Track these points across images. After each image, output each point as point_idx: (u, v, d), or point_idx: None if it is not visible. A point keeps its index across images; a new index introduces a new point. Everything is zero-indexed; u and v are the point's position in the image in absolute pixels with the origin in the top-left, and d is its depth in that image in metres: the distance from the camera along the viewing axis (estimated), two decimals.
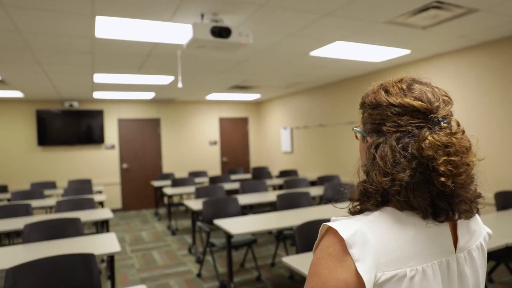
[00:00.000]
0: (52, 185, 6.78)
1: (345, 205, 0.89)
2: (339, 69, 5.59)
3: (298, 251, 2.84)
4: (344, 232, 0.73)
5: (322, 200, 5.32)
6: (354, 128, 0.96)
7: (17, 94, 6.62)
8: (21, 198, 5.39)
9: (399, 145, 0.77)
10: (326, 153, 7.13)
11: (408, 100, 0.80)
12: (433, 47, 4.40)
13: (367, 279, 0.70)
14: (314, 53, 4.47)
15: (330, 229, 0.76)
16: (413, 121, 0.78)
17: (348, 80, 6.44)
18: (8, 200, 5.57)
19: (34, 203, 4.96)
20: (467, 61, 4.49)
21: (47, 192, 6.09)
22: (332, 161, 6.97)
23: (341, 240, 0.72)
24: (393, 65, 5.44)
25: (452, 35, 3.90)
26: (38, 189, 5.63)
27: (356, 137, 0.99)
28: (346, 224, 0.76)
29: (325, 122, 7.13)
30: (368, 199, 0.80)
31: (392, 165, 0.76)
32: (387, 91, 0.85)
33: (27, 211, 4.33)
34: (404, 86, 0.84)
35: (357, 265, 0.71)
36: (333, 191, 5.22)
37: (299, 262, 2.46)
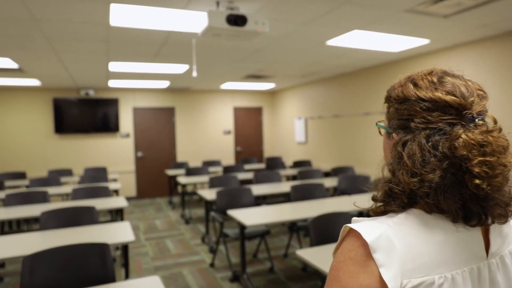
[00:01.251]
0: (68, 172, 6.88)
1: (367, 205, 0.84)
2: (355, 59, 5.47)
3: (312, 244, 2.80)
4: (367, 235, 0.69)
5: (336, 191, 5.26)
6: (378, 123, 0.90)
7: (34, 82, 6.69)
8: (38, 185, 5.48)
9: (429, 143, 0.72)
10: (341, 144, 7.04)
11: (439, 94, 0.74)
12: (453, 36, 4.25)
13: (392, 286, 0.65)
14: (331, 42, 4.37)
15: (352, 231, 0.72)
16: (445, 118, 0.72)
17: (365, 70, 6.30)
18: (27, 186, 5.67)
19: (51, 190, 5.03)
20: (488, 51, 4.33)
21: (63, 179, 6.18)
22: (346, 152, 6.88)
23: (364, 243, 0.68)
24: (410, 55, 5.29)
25: (473, 24, 3.75)
26: (55, 176, 5.71)
27: (380, 132, 0.93)
28: (369, 226, 0.71)
29: (340, 112, 7.02)
30: (393, 200, 0.75)
31: (421, 164, 0.71)
32: (416, 85, 0.79)
33: (44, 198, 4.40)
34: (435, 79, 0.77)
35: (381, 270, 0.66)
36: (347, 182, 5.15)
37: (313, 255, 2.43)
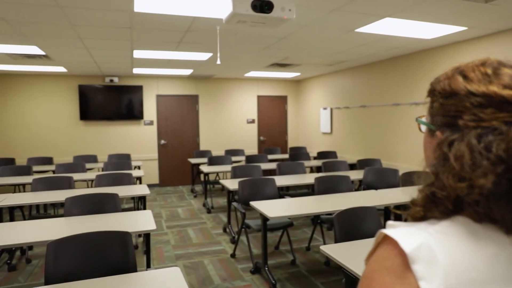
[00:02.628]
0: (93, 158, 6.99)
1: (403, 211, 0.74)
2: (385, 47, 5.24)
3: (336, 240, 2.71)
4: (406, 244, 0.60)
5: (361, 185, 5.11)
6: (418, 119, 0.78)
7: (60, 69, 6.79)
8: (64, 170, 5.59)
9: (481, 144, 0.61)
10: (367, 136, 6.84)
11: (494, 88, 0.63)
12: (494, 23, 3.98)
13: None
14: (360, 30, 4.18)
15: (388, 238, 0.63)
16: (500, 115, 0.62)
17: (394, 59, 6.05)
18: (53, 172, 5.79)
19: (76, 176, 5.11)
20: None
21: (88, 165, 6.28)
22: (373, 144, 6.68)
23: (401, 252, 0.60)
24: (445, 43, 5.02)
25: None
26: (80, 163, 5.81)
27: (419, 129, 0.82)
28: (408, 233, 0.63)
29: (367, 103, 6.81)
30: (435, 206, 0.66)
31: (470, 168, 0.61)
32: (466, 77, 0.68)
33: (69, 184, 4.46)
34: (489, 71, 0.66)
35: (420, 284, 0.58)
36: (374, 176, 4.99)
37: (338, 251, 2.34)
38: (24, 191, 6.30)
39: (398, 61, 5.97)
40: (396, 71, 6.03)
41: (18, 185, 5.34)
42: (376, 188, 4.55)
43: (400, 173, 4.83)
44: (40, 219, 3.04)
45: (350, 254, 2.27)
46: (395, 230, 0.64)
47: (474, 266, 0.60)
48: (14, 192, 6.42)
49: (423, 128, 0.78)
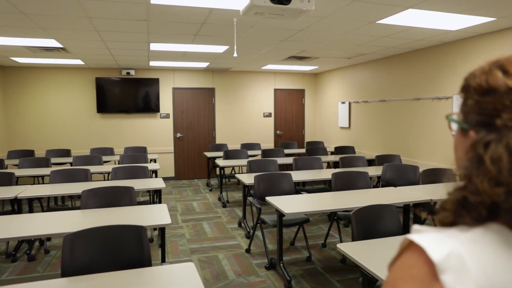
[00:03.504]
0: (110, 151, 7.06)
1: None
2: (407, 39, 5.08)
3: (354, 238, 2.63)
4: (434, 252, 0.55)
5: (380, 181, 5.00)
6: (449, 117, 0.71)
7: (78, 62, 6.85)
8: (81, 163, 5.65)
9: None
10: (387, 131, 6.69)
11: None
12: None
13: None
14: (382, 21, 4.04)
15: (414, 244, 0.59)
16: None
17: (416, 52, 5.87)
18: (71, 164, 5.86)
19: (93, 168, 5.15)
20: None
21: (105, 158, 6.33)
22: (393, 139, 6.52)
23: (428, 261, 0.55)
24: (472, 35, 4.82)
25: None
26: (97, 155, 5.86)
27: (450, 127, 0.75)
28: (436, 240, 0.57)
29: (387, 97, 6.64)
30: (467, 211, 0.60)
31: (509, 172, 0.56)
32: (506, 72, 0.62)
33: (86, 176, 4.50)
34: None
35: None
36: (393, 172, 4.87)
37: (355, 250, 2.27)
38: (43, 183, 6.41)
39: (420, 54, 5.79)
40: (418, 64, 5.84)
41: (37, 176, 5.43)
42: (395, 185, 4.43)
43: (421, 170, 4.69)
44: (58, 211, 3.08)
45: (368, 253, 2.21)
46: (422, 236, 0.59)
47: (510, 279, 0.55)
48: (33, 183, 6.55)
49: (454, 126, 0.71)
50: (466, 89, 0.68)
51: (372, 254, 2.19)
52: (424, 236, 0.59)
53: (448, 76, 5.22)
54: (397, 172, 4.84)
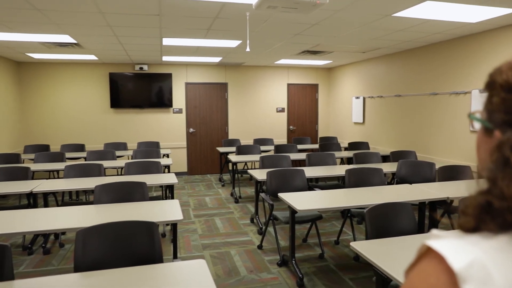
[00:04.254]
0: (123, 146, 7.11)
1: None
2: (424, 33, 4.95)
3: (368, 237, 2.59)
4: (455, 260, 0.52)
5: (394, 178, 4.91)
6: (472, 115, 0.66)
7: (92, 57, 6.90)
8: (95, 158, 5.70)
9: None
10: (402, 126, 6.57)
11: None
12: None
13: None
14: (398, 14, 3.94)
15: (432, 251, 0.55)
16: None
17: (433, 46, 5.72)
18: (85, 158, 5.92)
19: (106, 163, 5.19)
20: None
21: (118, 153, 6.38)
22: (408, 135, 6.40)
23: (448, 269, 0.52)
24: (493, 27, 4.66)
25: None
26: (110, 150, 5.91)
27: (472, 126, 0.70)
28: (457, 248, 0.54)
29: (403, 92, 6.52)
30: (491, 217, 0.56)
31: None
32: None
33: (99, 171, 4.53)
34: None
35: None
36: (408, 169, 4.78)
37: (369, 248, 2.23)
38: (58, 177, 6.50)
39: (438, 47, 5.65)
40: (435, 58, 5.70)
41: (52, 171, 5.50)
42: (410, 182, 4.34)
43: (437, 166, 4.59)
44: (72, 205, 3.11)
45: (382, 252, 2.16)
46: (441, 242, 0.56)
47: None
48: (49, 177, 6.65)
49: (477, 126, 0.66)
50: (491, 86, 0.63)
51: (386, 253, 2.15)
52: (444, 243, 0.55)
53: (467, 70, 5.07)
54: (413, 169, 4.74)
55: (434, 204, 3.64)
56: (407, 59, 6.38)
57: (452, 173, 4.33)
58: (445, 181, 4.23)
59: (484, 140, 0.64)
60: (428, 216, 3.99)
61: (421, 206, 3.64)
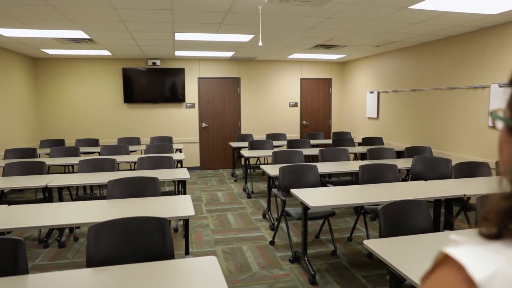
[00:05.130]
0: (136, 140, 7.16)
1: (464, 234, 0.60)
2: (441, 25, 4.82)
3: (381, 235, 2.54)
4: (477, 271, 0.47)
5: (409, 174, 4.82)
6: (494, 113, 0.62)
7: (105, 53, 6.94)
8: (108, 152, 5.75)
9: None
10: (417, 122, 6.44)
11: None
12: None
13: None
14: (414, 6, 3.84)
15: (451, 259, 0.51)
16: None
17: (450, 39, 5.58)
18: (99, 153, 5.98)
19: (119, 158, 5.23)
20: None
21: (131, 147, 6.43)
22: (423, 130, 6.28)
23: (468, 279, 0.47)
24: None
25: None
26: (124, 145, 5.95)
27: (494, 125, 0.65)
28: (478, 256, 0.49)
29: (418, 86, 6.38)
30: None
31: None
32: None
33: (113, 166, 4.57)
34: None
35: None
36: (423, 165, 4.68)
37: (382, 247, 2.18)
38: (73, 171, 6.58)
39: (455, 40, 5.50)
40: (452, 51, 5.56)
41: (67, 165, 5.57)
42: (425, 179, 4.26)
43: (453, 163, 4.49)
44: (86, 200, 3.13)
45: (396, 251, 2.12)
46: (461, 249, 0.51)
47: None
48: (64, 171, 6.75)
49: (500, 125, 0.62)
50: None
51: (401, 252, 2.10)
52: (464, 250, 0.51)
53: (485, 63, 4.93)
54: (428, 165, 4.65)
55: (450, 202, 3.56)
56: (422, 53, 6.24)
57: (469, 170, 4.23)
58: (461, 178, 4.13)
59: (508, 140, 0.60)
60: (443, 213, 3.91)
61: (437, 203, 3.56)
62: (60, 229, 4.35)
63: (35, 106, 7.58)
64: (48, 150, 6.07)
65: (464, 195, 3.26)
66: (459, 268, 0.49)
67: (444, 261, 0.52)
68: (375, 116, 7.74)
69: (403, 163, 4.93)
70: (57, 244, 4.14)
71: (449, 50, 5.61)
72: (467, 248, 0.51)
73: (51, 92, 7.73)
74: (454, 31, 5.22)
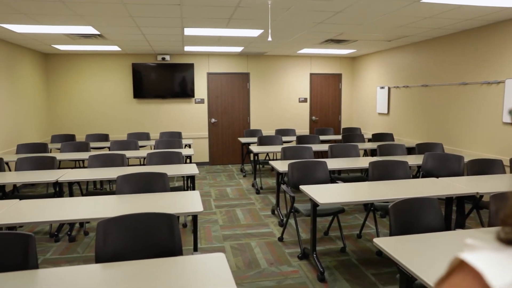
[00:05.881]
0: (146, 136, 7.19)
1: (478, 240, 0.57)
2: (455, 19, 4.72)
3: (392, 233, 2.50)
4: (495, 279, 0.45)
5: (420, 171, 4.76)
6: None
7: (115, 48, 6.96)
8: (118, 147, 5.78)
9: None
10: (429, 118, 6.35)
11: None
12: None
13: None
14: (427, 0, 3.76)
15: (467, 265, 0.48)
16: None
17: (464, 33, 5.47)
18: (109, 148, 6.01)
19: (129, 153, 5.26)
20: None
21: (141, 143, 6.46)
22: (435, 127, 6.19)
23: (484, 286, 0.45)
24: None
25: None
26: (133, 140, 5.98)
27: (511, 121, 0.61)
28: (497, 263, 0.47)
29: (430, 82, 6.28)
30: None
31: None
32: None
33: (122, 161, 4.59)
34: None
35: None
36: (434, 162, 4.61)
37: (393, 245, 2.16)
38: (83, 166, 6.64)
39: (469, 34, 5.39)
40: (465, 46, 5.45)
41: (78, 160, 5.62)
42: (436, 176, 4.20)
43: (466, 160, 4.41)
44: (95, 195, 3.15)
45: (407, 250, 2.09)
46: (478, 256, 0.49)
47: None
48: (74, 166, 6.81)
49: None
50: None
51: (412, 251, 2.07)
52: (481, 257, 0.48)
53: (501, 58, 4.82)
54: (439, 162, 4.58)
55: (462, 200, 3.50)
56: (435, 47, 6.13)
57: (482, 167, 4.15)
58: (474, 175, 4.06)
59: None
60: (454, 211, 3.86)
61: (448, 201, 3.51)
62: (71, 223, 4.39)
63: (46, 101, 7.66)
64: (59, 145, 6.13)
65: (477, 193, 3.20)
66: (476, 275, 0.46)
67: (460, 267, 0.49)
68: (386, 111, 7.65)
69: (414, 160, 4.86)
70: (67, 238, 4.19)
71: (463, 45, 5.50)
72: (484, 254, 0.49)
73: (62, 88, 7.79)
74: (468, 25, 5.11)
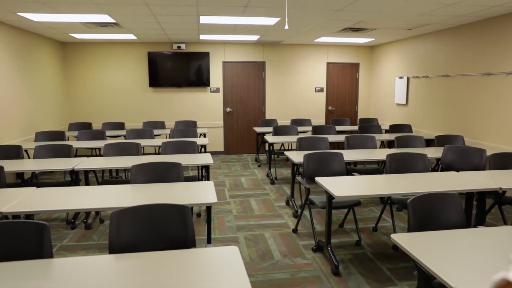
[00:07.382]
0: (161, 124, 7.20)
1: None
2: (481, 6, 4.52)
3: (410, 229, 2.43)
4: None
5: (439, 164, 4.63)
6: None
7: (131, 37, 6.95)
8: (134, 136, 5.81)
9: None
10: (449, 109, 6.16)
11: None
12: None
13: None
14: None
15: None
16: None
17: (490, 20, 5.24)
18: (124, 137, 6.05)
19: (144, 142, 5.27)
20: None
21: (156, 131, 6.47)
22: (456, 118, 6.00)
23: None
24: None
25: None
26: (148, 129, 6.00)
27: None
28: None
29: (451, 72, 6.08)
30: None
31: None
32: None
33: (137, 150, 4.60)
34: None
35: None
36: (454, 155, 4.48)
37: (411, 242, 2.08)
38: (100, 154, 6.71)
39: (495, 22, 5.17)
40: (491, 34, 5.24)
41: (93, 148, 5.67)
42: (456, 170, 4.07)
43: (488, 153, 4.26)
44: (110, 184, 3.16)
45: (426, 247, 2.01)
46: None
47: None
48: (91, 154, 6.89)
49: None
50: None
51: (431, 248, 2.00)
52: None
53: None
54: (460, 155, 4.44)
55: (483, 195, 3.39)
56: (458, 36, 5.92)
57: (505, 161, 4.00)
58: (496, 169, 3.92)
59: None
60: (475, 207, 3.74)
61: (469, 196, 3.40)
62: (86, 212, 4.45)
63: (63, 89, 7.74)
64: (76, 133, 6.19)
65: (500, 188, 3.08)
66: None
67: (507, 286, 0.44)
68: (404, 102, 7.47)
69: (433, 152, 4.73)
70: (83, 225, 4.24)
71: (488, 33, 5.29)
72: None
73: (79, 76, 7.85)
74: (494, 12, 4.90)
